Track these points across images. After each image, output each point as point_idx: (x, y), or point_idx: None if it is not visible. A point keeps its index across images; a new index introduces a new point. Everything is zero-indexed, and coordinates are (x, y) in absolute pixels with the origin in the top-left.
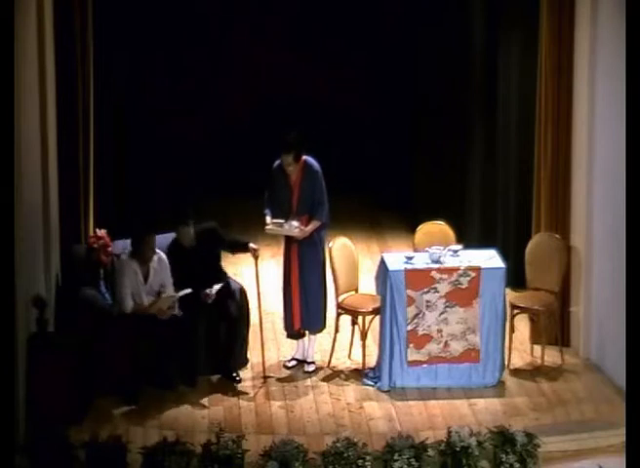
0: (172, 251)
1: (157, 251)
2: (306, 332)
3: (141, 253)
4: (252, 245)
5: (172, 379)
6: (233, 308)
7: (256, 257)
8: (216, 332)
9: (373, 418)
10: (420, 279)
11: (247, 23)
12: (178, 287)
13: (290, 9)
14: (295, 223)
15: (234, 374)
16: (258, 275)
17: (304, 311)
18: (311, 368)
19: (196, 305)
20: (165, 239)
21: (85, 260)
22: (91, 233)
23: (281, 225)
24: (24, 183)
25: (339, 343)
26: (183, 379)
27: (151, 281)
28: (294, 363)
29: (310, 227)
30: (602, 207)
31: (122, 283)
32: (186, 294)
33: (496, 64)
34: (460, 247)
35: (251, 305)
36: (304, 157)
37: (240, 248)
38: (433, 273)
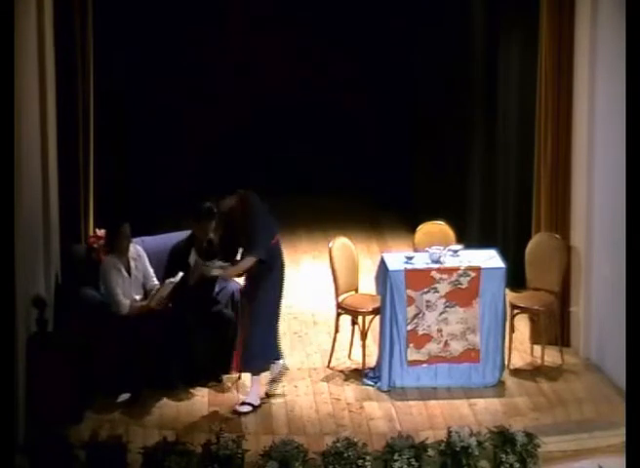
0: (177, 250)
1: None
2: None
3: (118, 245)
4: None
5: (172, 379)
6: (231, 309)
7: None
8: (215, 334)
9: (373, 418)
10: (420, 279)
11: (247, 24)
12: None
13: (290, 10)
14: (216, 264)
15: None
16: None
17: (244, 352)
18: (244, 408)
19: (195, 305)
20: (163, 239)
21: (85, 260)
22: (91, 233)
23: (208, 266)
24: (24, 183)
25: (339, 343)
26: (183, 379)
27: (135, 273)
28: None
29: (235, 268)
30: (602, 207)
31: (110, 286)
32: (186, 295)
33: (496, 64)
34: (460, 247)
35: None
36: (244, 193)
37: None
38: (433, 273)
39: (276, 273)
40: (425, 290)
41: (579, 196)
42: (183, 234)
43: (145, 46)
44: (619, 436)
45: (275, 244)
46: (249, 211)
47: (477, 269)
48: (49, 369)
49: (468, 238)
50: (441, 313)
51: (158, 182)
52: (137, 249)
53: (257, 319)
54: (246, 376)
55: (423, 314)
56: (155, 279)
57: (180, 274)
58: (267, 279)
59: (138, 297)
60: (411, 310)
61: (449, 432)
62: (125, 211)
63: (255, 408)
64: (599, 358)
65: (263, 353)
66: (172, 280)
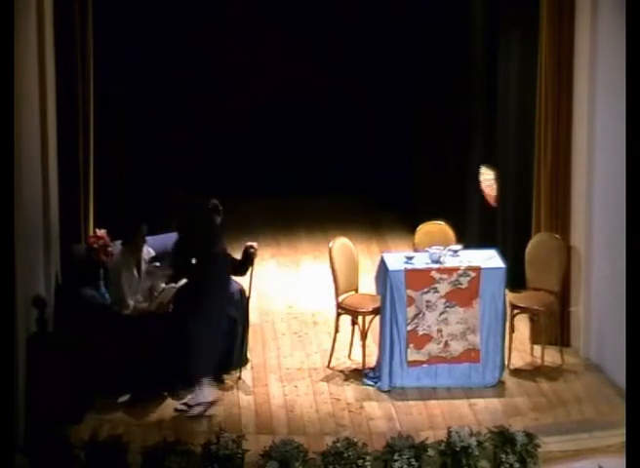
0: None
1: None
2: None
3: (133, 242)
4: (248, 243)
5: (172, 379)
6: (233, 309)
7: (253, 256)
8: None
9: (373, 418)
10: (420, 279)
11: (248, 24)
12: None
13: (290, 10)
14: None
15: (222, 376)
16: (252, 274)
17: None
18: (195, 411)
19: (195, 305)
20: (163, 239)
21: (85, 260)
22: (91, 233)
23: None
24: (24, 183)
25: (339, 343)
26: (183, 379)
27: (144, 274)
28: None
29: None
30: (602, 207)
31: (119, 283)
32: (187, 295)
33: (496, 64)
34: (459, 247)
35: (251, 305)
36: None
37: (242, 260)
38: (433, 273)
39: (215, 284)
40: (425, 290)
41: (579, 196)
42: None
43: (145, 46)
44: (619, 436)
45: (220, 252)
46: (180, 215)
47: (477, 269)
48: (49, 369)
49: (468, 238)
50: (441, 313)
51: (158, 182)
52: (149, 251)
53: (198, 327)
54: (246, 376)
55: (423, 314)
56: (163, 285)
57: (184, 280)
58: (206, 291)
59: (141, 299)
60: (411, 310)
61: (449, 432)
62: (125, 211)
63: (207, 405)
64: (599, 358)
65: (206, 358)
66: (174, 285)
